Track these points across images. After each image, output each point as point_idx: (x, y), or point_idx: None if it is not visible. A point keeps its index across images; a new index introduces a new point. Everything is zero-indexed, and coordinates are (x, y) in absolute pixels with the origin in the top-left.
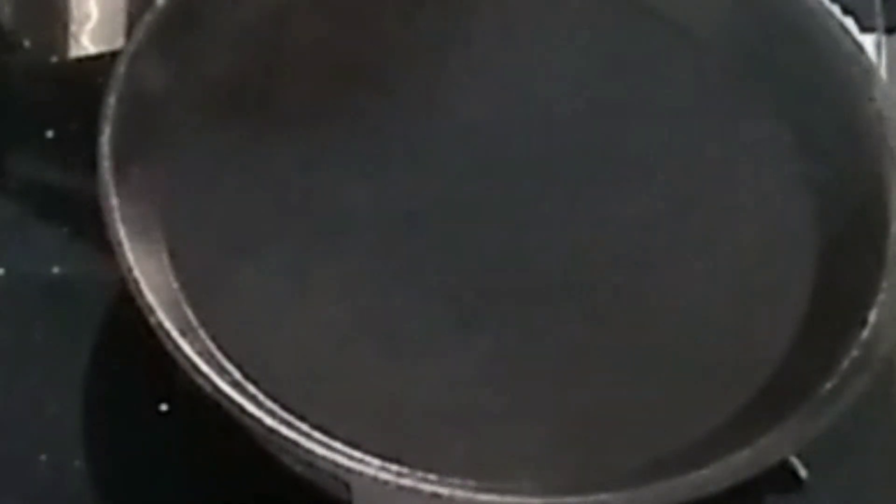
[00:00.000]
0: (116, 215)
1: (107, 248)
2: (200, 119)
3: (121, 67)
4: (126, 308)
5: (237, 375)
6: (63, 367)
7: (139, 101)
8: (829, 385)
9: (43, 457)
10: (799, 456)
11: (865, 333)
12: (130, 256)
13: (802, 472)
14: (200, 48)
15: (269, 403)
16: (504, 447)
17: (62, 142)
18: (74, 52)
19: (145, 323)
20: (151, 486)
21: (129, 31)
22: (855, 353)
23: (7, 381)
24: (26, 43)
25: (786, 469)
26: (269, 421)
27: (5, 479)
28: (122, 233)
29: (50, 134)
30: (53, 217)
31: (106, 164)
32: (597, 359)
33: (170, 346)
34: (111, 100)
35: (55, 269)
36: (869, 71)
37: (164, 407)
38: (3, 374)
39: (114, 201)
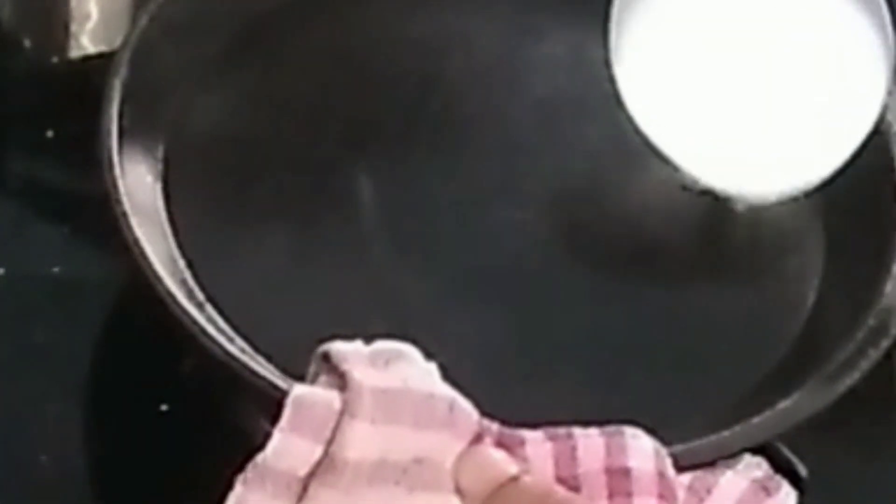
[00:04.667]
0: (121, 189)
1: (107, 248)
2: (206, 96)
3: (125, 53)
4: (126, 308)
5: (247, 349)
6: (63, 367)
7: (144, 77)
8: (846, 352)
9: (43, 457)
10: (799, 456)
11: (882, 302)
12: (136, 228)
13: (803, 472)
14: (206, 29)
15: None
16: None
17: (62, 142)
18: (74, 52)
19: (145, 323)
20: (151, 486)
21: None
22: (871, 322)
23: (7, 381)
24: (26, 43)
25: (786, 469)
26: (280, 383)
27: (5, 479)
28: (126, 205)
29: (50, 134)
30: (53, 217)
31: (111, 141)
32: (606, 341)
33: (178, 312)
34: (116, 81)
35: (55, 269)
36: None
37: (164, 407)
38: (4, 374)
39: (118, 173)
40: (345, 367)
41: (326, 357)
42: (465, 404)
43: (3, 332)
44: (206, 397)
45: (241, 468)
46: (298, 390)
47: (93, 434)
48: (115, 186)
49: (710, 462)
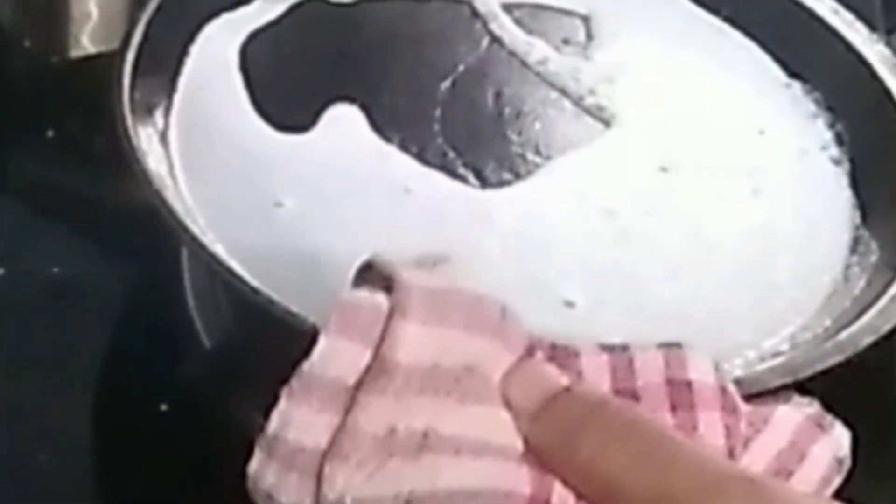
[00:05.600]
0: (134, 142)
1: (107, 248)
2: None
3: (138, 26)
4: (126, 308)
5: None
6: (63, 367)
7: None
8: (886, 298)
9: (43, 457)
10: None
11: None
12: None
13: None
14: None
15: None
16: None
17: (62, 142)
18: (74, 52)
19: (145, 323)
20: (151, 486)
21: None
22: (893, 291)
23: (7, 381)
24: (26, 43)
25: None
26: (309, 317)
27: (5, 479)
28: (143, 163)
29: (50, 134)
30: (53, 217)
31: (123, 95)
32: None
33: (207, 258)
34: (128, 55)
35: (55, 269)
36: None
37: (164, 407)
38: (4, 374)
39: (132, 134)
40: (390, 269)
41: (369, 266)
42: (515, 313)
43: (3, 332)
44: (206, 397)
45: (241, 467)
46: (344, 294)
47: (93, 434)
48: (130, 146)
49: (755, 395)
